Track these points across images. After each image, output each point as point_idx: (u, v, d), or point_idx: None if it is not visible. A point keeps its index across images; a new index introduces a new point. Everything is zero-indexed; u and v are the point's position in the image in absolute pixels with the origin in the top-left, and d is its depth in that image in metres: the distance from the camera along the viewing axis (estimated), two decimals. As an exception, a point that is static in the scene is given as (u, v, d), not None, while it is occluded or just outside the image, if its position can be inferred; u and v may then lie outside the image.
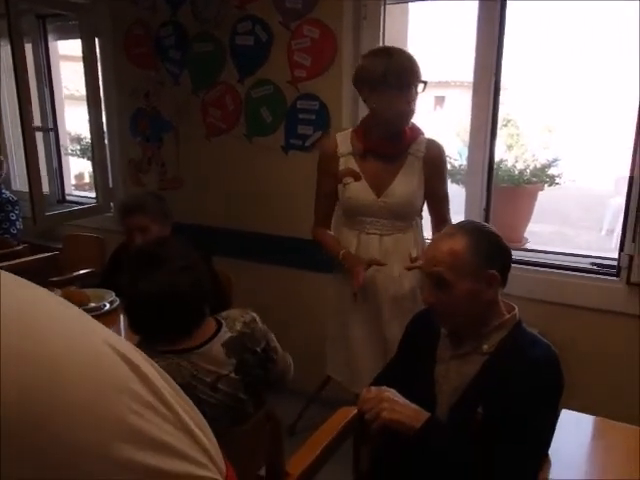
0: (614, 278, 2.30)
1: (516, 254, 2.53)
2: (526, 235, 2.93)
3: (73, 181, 4.55)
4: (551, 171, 2.87)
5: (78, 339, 0.68)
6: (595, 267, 2.39)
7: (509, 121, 3.19)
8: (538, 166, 2.79)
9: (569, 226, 4.19)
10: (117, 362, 0.71)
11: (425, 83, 1.93)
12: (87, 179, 5.35)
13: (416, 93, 1.93)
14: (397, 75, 1.88)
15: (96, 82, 3.46)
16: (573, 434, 1.44)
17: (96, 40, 3.40)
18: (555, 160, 2.83)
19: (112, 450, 0.67)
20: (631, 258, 2.20)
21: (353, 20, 2.58)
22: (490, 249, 1.40)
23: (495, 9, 2.34)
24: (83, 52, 3.39)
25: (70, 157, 4.46)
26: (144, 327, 1.35)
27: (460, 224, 1.49)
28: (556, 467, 1.28)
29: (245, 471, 1.62)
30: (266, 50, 2.82)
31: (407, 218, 2.07)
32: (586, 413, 1.53)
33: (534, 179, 2.85)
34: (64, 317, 0.69)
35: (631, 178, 2.17)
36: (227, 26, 2.91)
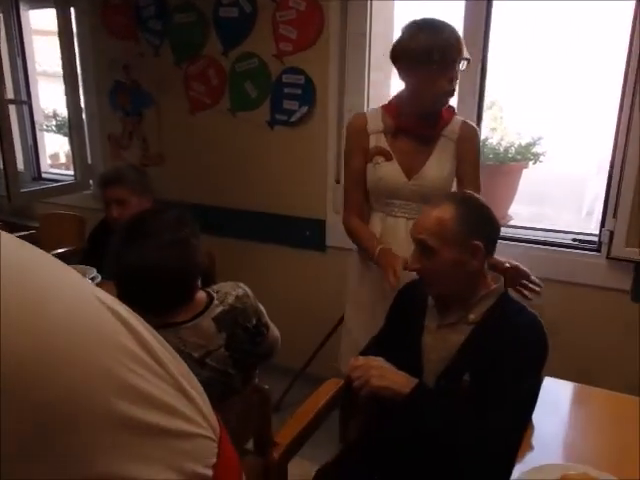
0: (595, 253, 2.33)
1: (505, 231, 2.57)
2: (510, 214, 2.96)
3: (49, 160, 4.44)
4: (535, 149, 2.88)
5: (75, 300, 0.67)
6: (576, 243, 2.42)
7: (494, 103, 3.19)
8: (523, 144, 2.81)
9: (550, 207, 4.23)
10: (108, 318, 0.70)
11: (468, 60, 1.81)
12: (63, 159, 5.23)
13: (459, 71, 1.80)
14: (442, 52, 1.73)
15: (72, 53, 3.35)
16: (555, 400, 1.46)
17: (72, 10, 3.30)
18: (539, 138, 2.85)
19: (110, 405, 0.66)
20: (612, 234, 2.23)
21: (341, -8, 2.54)
22: (477, 220, 1.41)
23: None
24: (58, 22, 3.28)
25: (46, 134, 4.33)
26: (131, 299, 1.32)
27: (451, 194, 1.50)
28: (537, 431, 1.30)
29: (232, 444, 1.62)
30: (250, 22, 2.76)
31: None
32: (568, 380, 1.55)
33: (519, 157, 2.86)
34: (62, 278, 0.68)
35: (614, 151, 2.19)
36: (210, -3, 2.85)
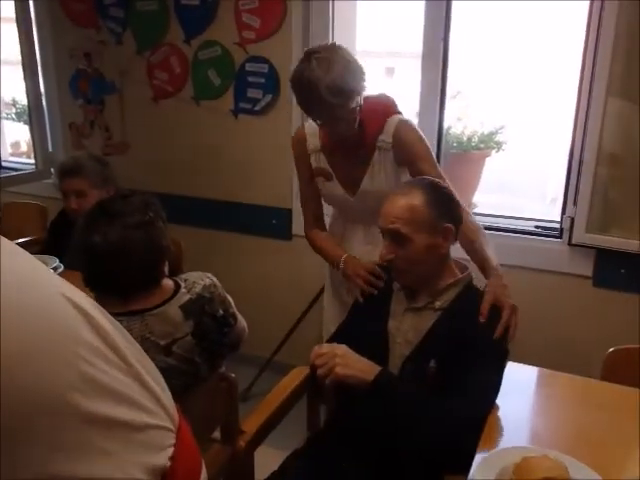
0: (557, 240, 2.38)
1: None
2: (474, 202, 3.00)
3: (10, 150, 4.33)
4: (498, 138, 2.93)
5: (29, 290, 0.66)
6: (539, 230, 2.46)
7: (459, 92, 3.22)
8: (486, 133, 2.85)
9: (514, 196, 4.30)
10: (70, 312, 0.69)
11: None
12: (24, 147, 5.10)
13: (357, 105, 1.69)
14: (334, 91, 1.61)
15: (31, 41, 3.25)
16: (519, 384, 1.50)
17: (30, -5, 3.21)
18: (502, 127, 2.89)
19: (67, 402, 0.65)
20: (572, 220, 2.28)
21: (302, -20, 2.52)
22: (445, 203, 1.44)
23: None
24: (15, 8, 3.19)
25: (5, 122, 4.22)
26: (96, 283, 1.31)
27: (414, 181, 1.51)
28: (503, 415, 1.32)
29: (198, 434, 1.62)
30: (212, 10, 2.73)
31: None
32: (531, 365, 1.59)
33: (482, 145, 2.90)
34: (17, 269, 0.67)
35: (573, 140, 2.23)
36: (171, -16, 2.80)
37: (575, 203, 2.25)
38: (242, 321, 1.69)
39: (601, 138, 2.14)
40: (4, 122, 4.24)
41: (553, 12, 3.29)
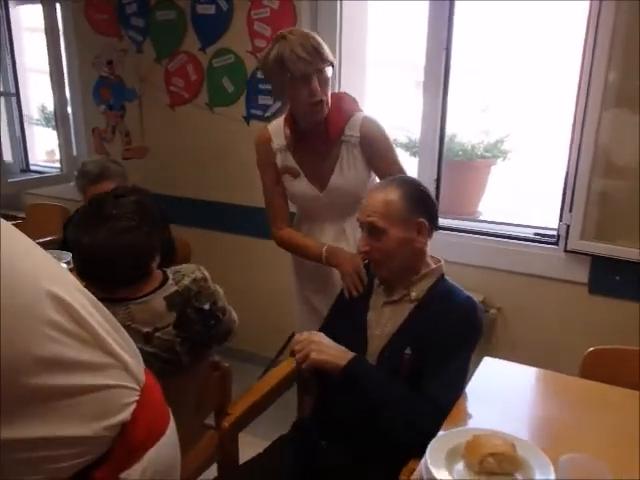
0: (554, 246, 2.41)
1: (466, 224, 2.66)
2: (480, 209, 3.05)
3: (45, 156, 4.51)
4: (504, 146, 2.97)
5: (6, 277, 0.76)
6: (537, 236, 2.50)
7: (487, 107, 3.25)
8: (492, 141, 2.89)
9: (523, 200, 4.30)
10: (39, 296, 0.79)
11: (332, 64, 1.77)
12: (58, 155, 5.29)
13: (325, 78, 1.75)
14: (293, 63, 1.68)
15: (58, 49, 3.44)
16: (516, 383, 1.57)
17: (57, 7, 3.38)
18: (507, 135, 2.93)
19: (28, 377, 0.76)
20: (568, 227, 2.32)
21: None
22: (419, 199, 1.51)
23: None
24: (44, 18, 3.37)
25: (36, 127, 4.42)
26: (85, 276, 1.40)
27: (391, 178, 1.58)
28: (500, 409, 1.39)
29: (191, 419, 1.71)
30: (227, 19, 2.85)
31: (357, 204, 1.85)
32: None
33: (487, 154, 2.95)
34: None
35: (570, 148, 2.27)
36: (188, -6, 2.93)
37: (570, 210, 2.29)
38: (232, 313, 1.74)
39: (596, 147, 2.18)
40: (37, 128, 4.44)
41: (561, 19, 3.32)
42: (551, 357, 2.30)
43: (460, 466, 1.13)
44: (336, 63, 2.67)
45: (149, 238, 1.45)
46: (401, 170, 1.89)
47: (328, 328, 1.65)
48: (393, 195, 1.48)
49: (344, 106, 1.86)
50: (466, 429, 1.20)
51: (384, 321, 1.55)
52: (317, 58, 1.71)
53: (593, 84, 2.14)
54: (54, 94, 3.52)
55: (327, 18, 2.64)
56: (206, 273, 1.61)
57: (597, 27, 2.09)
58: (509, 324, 2.56)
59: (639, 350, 1.70)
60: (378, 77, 3.18)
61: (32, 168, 4.17)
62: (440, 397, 1.36)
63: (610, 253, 2.24)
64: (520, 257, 2.49)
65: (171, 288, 1.49)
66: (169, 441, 1.00)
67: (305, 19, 2.65)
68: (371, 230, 1.50)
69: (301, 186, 1.92)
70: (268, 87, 2.82)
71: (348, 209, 1.92)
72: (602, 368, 1.66)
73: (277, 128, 1.93)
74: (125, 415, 0.88)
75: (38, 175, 3.97)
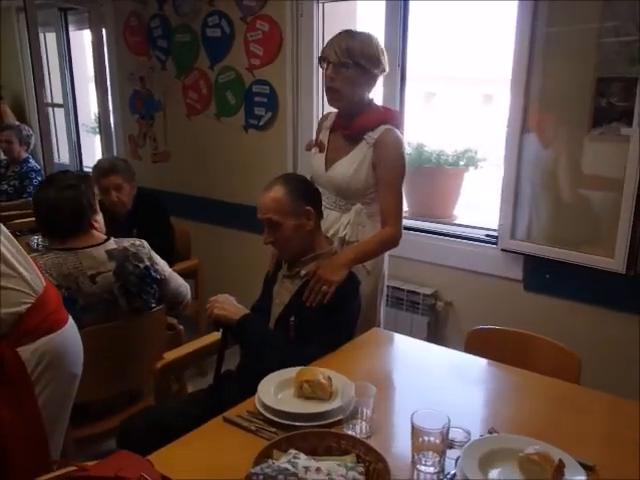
0: (494, 246, 2.64)
1: (429, 226, 2.93)
2: (456, 213, 3.29)
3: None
4: (475, 155, 3.20)
5: None
6: (487, 237, 2.73)
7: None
8: (460, 150, 3.13)
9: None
10: None
11: (364, 69, 1.96)
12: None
13: (350, 73, 1.95)
14: (324, 49, 1.98)
15: (103, 66, 4.05)
16: (467, 373, 1.76)
17: (103, 31, 3.98)
18: (479, 146, 3.17)
19: None
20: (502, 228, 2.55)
21: (293, 17, 3.01)
22: (302, 191, 1.82)
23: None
24: (92, 41, 3.97)
25: (91, 134, 5.08)
26: (44, 226, 1.90)
27: (276, 177, 1.87)
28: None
29: (148, 354, 2.09)
30: (229, 41, 3.30)
31: (347, 198, 2.10)
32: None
33: (462, 163, 3.19)
34: None
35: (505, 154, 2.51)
36: (199, 19, 3.41)
37: (501, 211, 2.53)
38: (182, 286, 2.19)
39: (519, 158, 2.43)
40: (91, 136, 5.11)
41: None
42: (490, 340, 2.51)
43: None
44: (313, 76, 3.04)
45: (87, 194, 1.90)
46: (392, 194, 2.03)
47: (260, 298, 2.01)
48: (279, 193, 1.78)
49: (380, 115, 2.08)
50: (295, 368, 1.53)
51: (281, 292, 1.89)
52: (345, 54, 1.94)
53: (512, 110, 2.41)
54: (99, 105, 4.12)
55: (307, 37, 3.02)
56: (145, 244, 2.05)
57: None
58: (457, 316, 2.80)
59: (513, 331, 1.95)
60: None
61: (85, 170, 4.79)
62: (307, 350, 1.69)
63: (538, 252, 2.45)
64: (469, 256, 2.73)
65: (111, 245, 1.94)
66: (61, 337, 1.43)
67: (288, 40, 3.04)
68: (270, 225, 1.81)
69: (318, 159, 2.17)
70: (263, 100, 3.24)
71: (344, 197, 2.10)
72: (481, 345, 1.92)
73: (333, 113, 2.21)
74: (20, 309, 1.32)
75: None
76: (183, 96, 3.64)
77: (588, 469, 1.19)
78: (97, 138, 5.23)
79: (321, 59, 2.02)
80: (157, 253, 2.12)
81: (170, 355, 2.01)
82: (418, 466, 1.22)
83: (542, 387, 1.63)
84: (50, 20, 4.37)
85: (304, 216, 1.80)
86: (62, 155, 4.94)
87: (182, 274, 3.01)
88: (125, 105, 4.04)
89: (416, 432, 1.21)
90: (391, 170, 2.03)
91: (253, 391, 1.48)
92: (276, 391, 1.48)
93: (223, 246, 3.61)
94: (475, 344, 1.94)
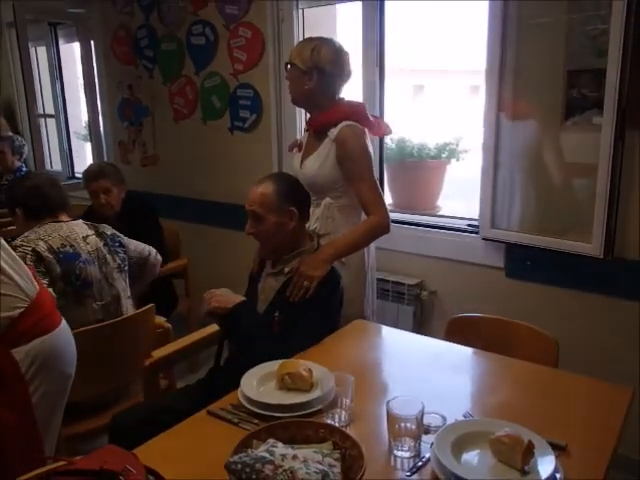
0: (476, 235, 2.71)
1: (412, 218, 2.99)
2: (440, 204, 3.36)
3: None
4: (459, 147, 3.26)
5: None
6: (470, 227, 2.80)
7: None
8: (441, 143, 3.20)
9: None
10: None
11: (286, 65, 2.18)
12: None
13: (291, 72, 2.16)
14: (299, 49, 2.17)
15: (92, 76, 4.12)
16: (448, 361, 1.80)
17: (92, 43, 4.05)
18: (461, 138, 3.23)
19: None
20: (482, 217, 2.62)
21: (274, 23, 3.09)
22: (289, 192, 1.89)
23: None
24: (81, 52, 4.05)
25: (83, 142, 5.17)
26: (35, 206, 2.15)
27: (269, 175, 1.96)
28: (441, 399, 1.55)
29: (136, 352, 2.17)
30: (213, 48, 3.38)
31: (317, 193, 2.17)
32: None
33: (444, 155, 3.26)
34: None
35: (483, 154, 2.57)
36: (184, 28, 3.49)
37: (481, 201, 2.59)
38: (140, 245, 2.46)
39: (497, 148, 2.49)
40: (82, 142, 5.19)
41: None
42: (472, 327, 2.58)
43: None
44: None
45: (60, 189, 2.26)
46: (367, 187, 2.10)
47: (245, 295, 2.07)
48: (268, 189, 1.87)
49: (342, 111, 2.17)
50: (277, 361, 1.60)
51: (267, 289, 1.97)
52: (289, 56, 2.20)
53: (488, 101, 2.48)
54: (89, 113, 4.19)
55: (288, 48, 3.07)
56: (114, 231, 2.33)
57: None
58: (442, 305, 2.87)
59: (492, 318, 2.02)
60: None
61: (77, 176, 4.86)
62: (292, 342, 1.76)
63: (517, 240, 2.52)
64: (453, 246, 2.80)
65: (86, 222, 2.27)
66: (54, 338, 1.52)
67: (270, 45, 3.12)
68: (253, 216, 1.89)
69: (296, 158, 2.33)
70: (247, 103, 3.32)
71: (314, 192, 2.15)
72: (462, 332, 1.99)
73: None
74: (13, 313, 1.40)
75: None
76: (170, 102, 3.71)
77: (560, 449, 1.23)
78: (88, 145, 5.34)
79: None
80: None
81: (158, 353, 2.08)
82: (395, 451, 1.26)
83: (520, 372, 1.68)
84: (40, 35, 4.47)
85: (287, 216, 1.87)
86: (55, 163, 5.02)
87: (172, 273, 3.12)
88: (114, 112, 4.12)
89: (392, 419, 1.25)
90: (357, 163, 2.11)
91: (239, 385, 1.54)
92: (258, 384, 1.54)
93: (211, 245, 3.69)
94: (455, 332, 2.01)
